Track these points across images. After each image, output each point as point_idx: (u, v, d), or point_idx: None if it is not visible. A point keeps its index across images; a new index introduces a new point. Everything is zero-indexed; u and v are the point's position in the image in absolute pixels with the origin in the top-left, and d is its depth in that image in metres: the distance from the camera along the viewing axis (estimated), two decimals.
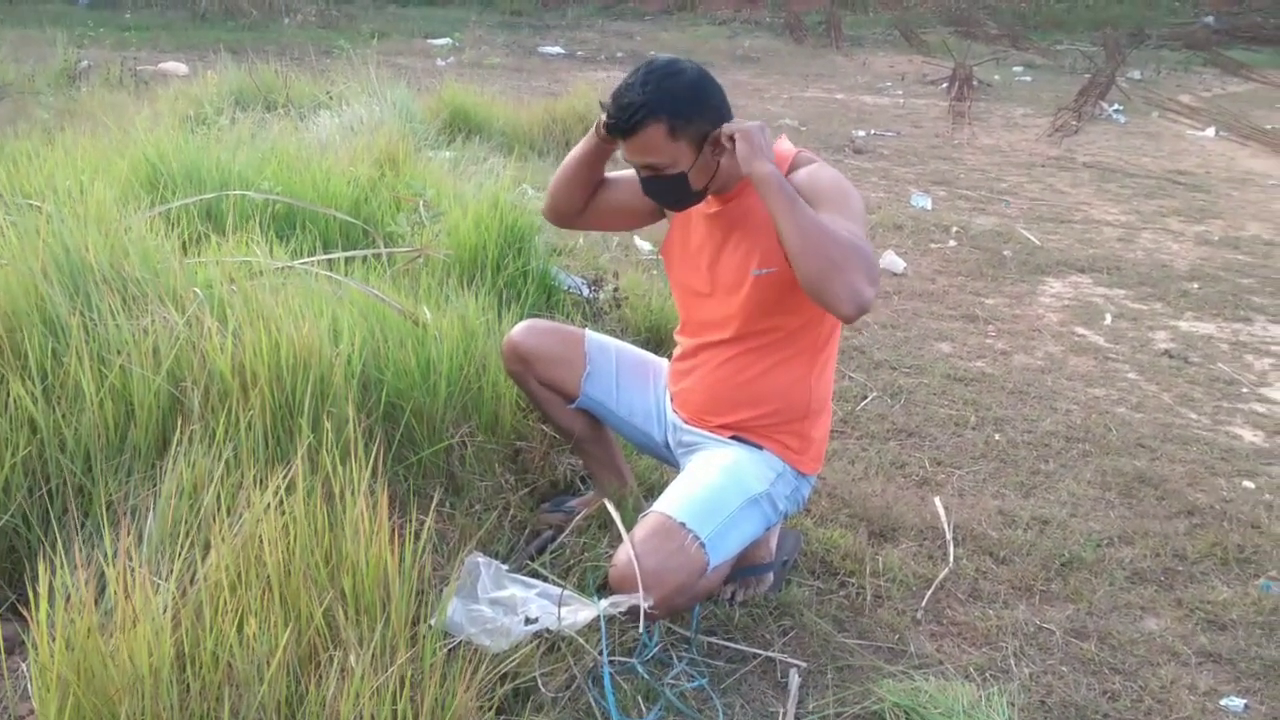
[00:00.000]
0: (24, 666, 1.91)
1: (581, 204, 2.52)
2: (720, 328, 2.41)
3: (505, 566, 2.33)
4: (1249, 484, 3.37)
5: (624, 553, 2.16)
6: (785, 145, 2.37)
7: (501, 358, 2.71)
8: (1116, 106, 12.60)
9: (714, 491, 2.31)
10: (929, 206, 7.23)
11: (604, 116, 2.26)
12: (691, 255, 2.45)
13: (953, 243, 6.30)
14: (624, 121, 2.19)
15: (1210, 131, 11.40)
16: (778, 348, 2.36)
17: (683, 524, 2.20)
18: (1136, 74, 15.47)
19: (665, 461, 2.72)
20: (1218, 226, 7.16)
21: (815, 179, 2.25)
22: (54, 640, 1.59)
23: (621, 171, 2.50)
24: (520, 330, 2.67)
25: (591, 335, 2.70)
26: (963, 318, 4.95)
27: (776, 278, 2.27)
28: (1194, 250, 6.50)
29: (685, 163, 2.23)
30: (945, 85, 13.76)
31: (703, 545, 2.19)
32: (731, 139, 2.17)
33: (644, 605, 2.09)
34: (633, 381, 2.66)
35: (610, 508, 2.34)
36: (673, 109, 2.18)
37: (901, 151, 9.44)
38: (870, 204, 7.22)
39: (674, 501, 2.27)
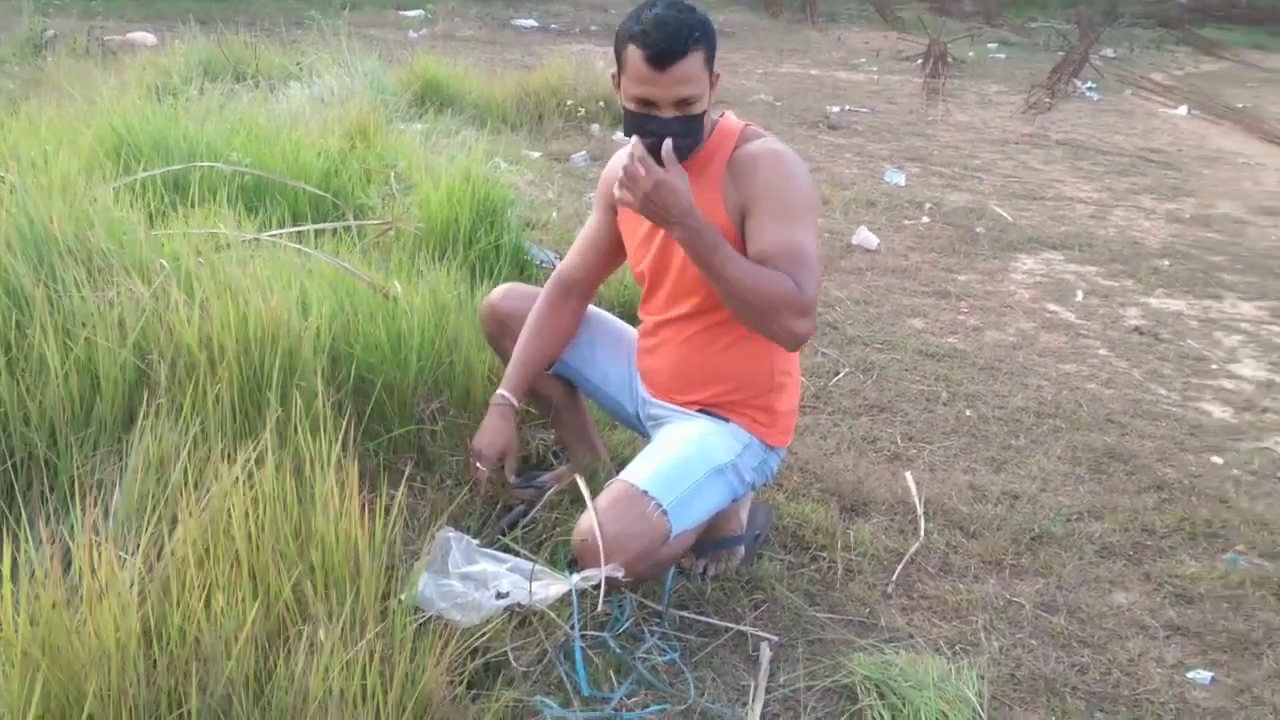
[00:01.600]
0: None
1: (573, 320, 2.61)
2: (679, 303, 2.40)
3: (476, 541, 2.32)
4: (1217, 459, 3.40)
5: (586, 520, 2.17)
6: (731, 121, 2.34)
7: (480, 320, 2.71)
8: (1090, 84, 12.63)
9: (678, 461, 2.31)
10: (903, 183, 7.23)
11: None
12: (645, 236, 2.43)
13: (926, 219, 6.30)
14: (678, 44, 2.08)
15: (1183, 110, 11.46)
16: (737, 324, 2.32)
17: (645, 491, 2.20)
18: (1110, 52, 15.53)
19: (637, 431, 2.71)
20: (1189, 204, 7.20)
21: (757, 169, 2.23)
22: (18, 615, 1.57)
23: (582, 236, 2.60)
24: (499, 293, 2.67)
25: None
26: (935, 294, 4.96)
27: None
28: (1165, 228, 6.53)
29: (704, 102, 2.19)
30: (920, 62, 13.76)
31: (665, 512, 2.20)
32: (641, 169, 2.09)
33: (606, 572, 2.09)
34: (609, 351, 2.65)
35: (580, 481, 2.33)
36: (709, 36, 2.14)
37: (875, 128, 9.43)
38: (844, 180, 7.22)
39: (637, 470, 2.28)
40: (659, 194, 2.08)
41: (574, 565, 2.25)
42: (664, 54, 2.09)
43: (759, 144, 2.27)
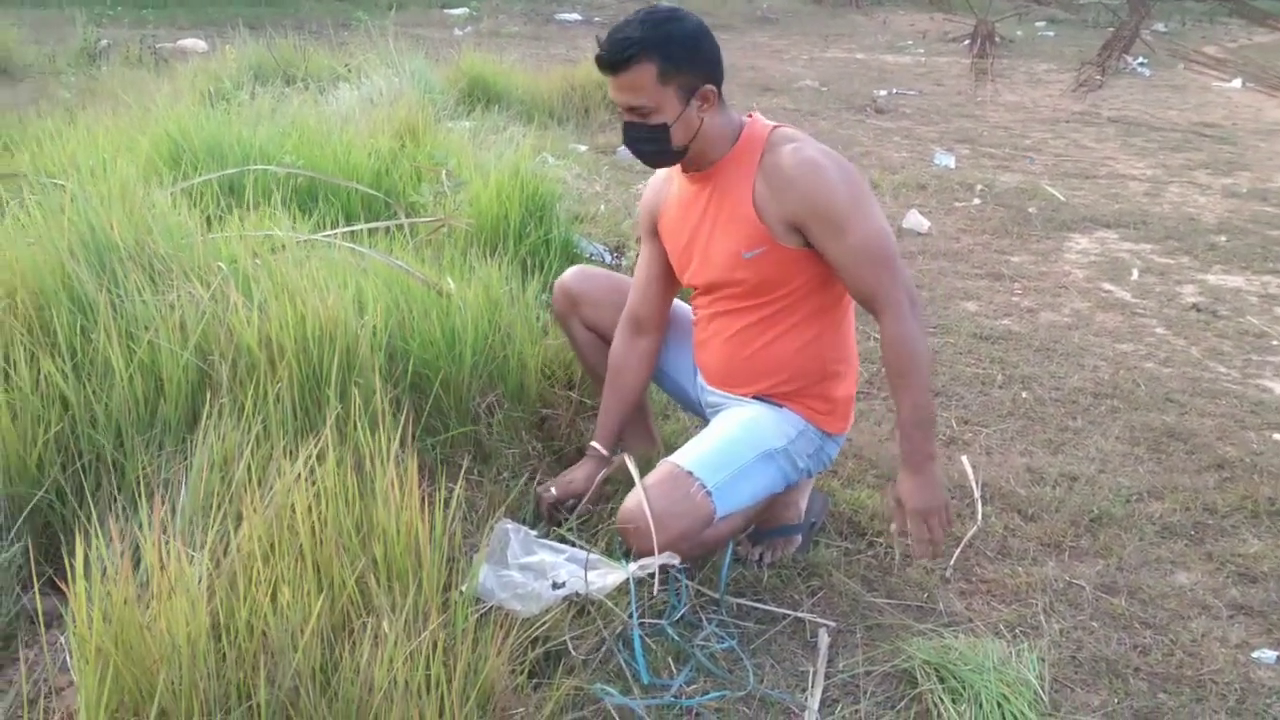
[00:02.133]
0: (62, 639, 1.94)
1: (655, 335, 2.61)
2: (724, 301, 2.42)
3: (534, 532, 2.35)
4: (1279, 437, 3.35)
5: (632, 499, 2.21)
6: (760, 124, 2.33)
7: (552, 300, 2.77)
8: (1141, 60, 12.44)
9: (726, 444, 2.33)
10: (952, 165, 7.18)
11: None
12: (684, 239, 2.44)
13: (977, 201, 6.25)
14: (616, 55, 2.16)
15: (1236, 83, 11.26)
16: (786, 315, 2.35)
17: (690, 473, 2.24)
18: (1161, 26, 15.29)
19: (699, 416, 2.72)
20: (1245, 178, 7.08)
21: (795, 185, 2.21)
22: (91, 613, 1.61)
23: (638, 270, 2.60)
24: (571, 272, 2.74)
25: None
26: (988, 276, 4.92)
27: (768, 255, 2.28)
28: (1221, 203, 6.43)
29: (670, 113, 2.20)
30: (967, 42, 13.64)
31: (709, 494, 2.23)
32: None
33: (661, 560, 2.13)
34: (675, 334, 2.66)
35: (630, 461, 2.34)
36: (666, 51, 2.16)
37: (924, 110, 9.36)
38: (893, 164, 7.18)
39: (685, 453, 2.31)
40: (940, 521, 2.24)
41: (630, 554, 2.27)
42: (605, 62, 2.19)
43: (789, 151, 2.24)
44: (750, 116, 2.36)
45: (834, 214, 2.19)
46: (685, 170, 2.38)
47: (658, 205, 2.51)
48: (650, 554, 2.15)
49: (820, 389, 2.42)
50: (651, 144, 2.27)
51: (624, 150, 7.08)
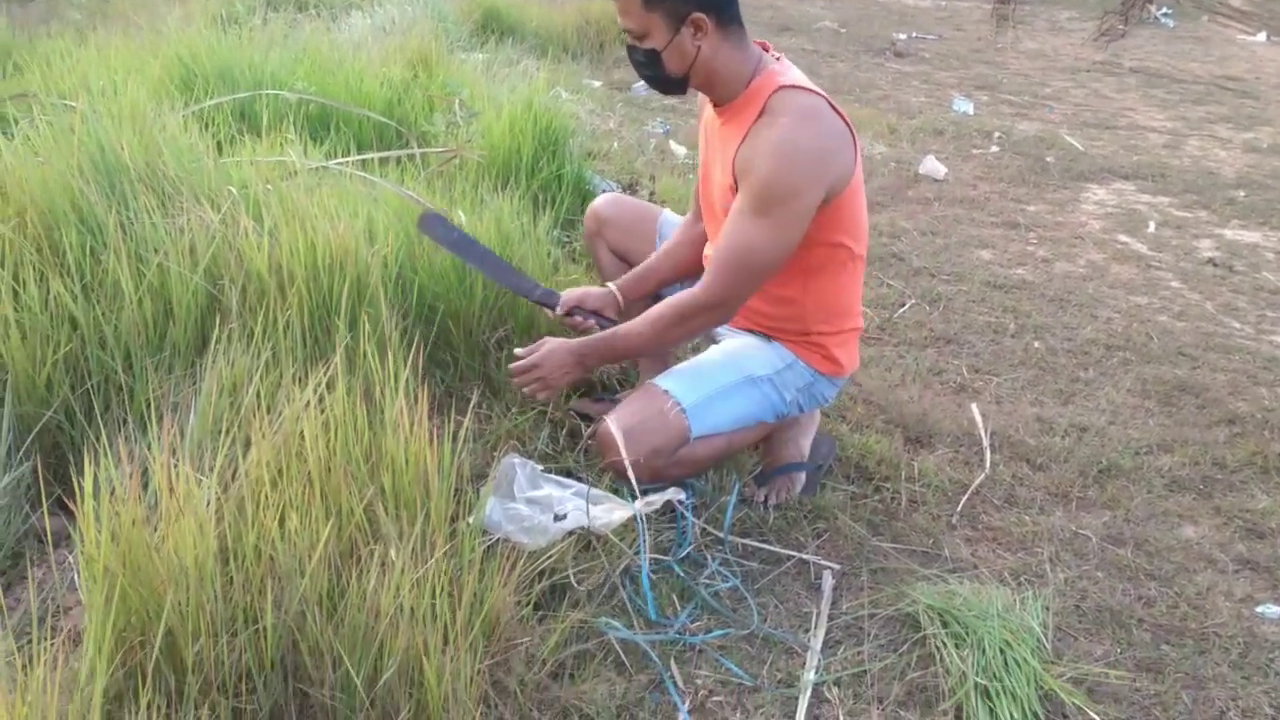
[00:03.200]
0: (70, 558, 1.95)
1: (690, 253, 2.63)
2: (715, 233, 2.44)
3: (540, 467, 2.34)
4: None
5: (609, 413, 2.28)
6: (775, 73, 2.26)
7: (584, 220, 2.86)
8: (1165, 10, 12.26)
9: (707, 366, 2.39)
10: (971, 111, 7.10)
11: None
12: (701, 167, 2.49)
13: (995, 148, 6.19)
14: None
15: (1261, 36, 11.10)
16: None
17: (666, 390, 2.30)
18: None
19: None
20: (1267, 134, 7.00)
21: (760, 145, 2.17)
22: (100, 533, 1.61)
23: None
24: (603, 198, 2.84)
25: (668, 213, 2.80)
26: (1004, 225, 4.88)
27: None
28: (1241, 158, 6.36)
29: (659, 39, 2.21)
30: None
31: (684, 411, 2.27)
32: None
33: (629, 465, 2.16)
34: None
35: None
36: None
37: (943, 55, 9.24)
38: (910, 108, 7.10)
39: (666, 374, 2.38)
40: (550, 373, 2.31)
41: (644, 489, 2.29)
42: None
43: (781, 125, 2.17)
44: (776, 59, 2.31)
45: (760, 193, 2.16)
46: (714, 107, 2.36)
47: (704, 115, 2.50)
48: (621, 468, 2.18)
49: (807, 339, 2.43)
50: (647, 69, 2.29)
51: (639, 87, 7.02)
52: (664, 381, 2.33)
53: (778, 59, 2.32)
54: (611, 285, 2.61)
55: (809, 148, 2.16)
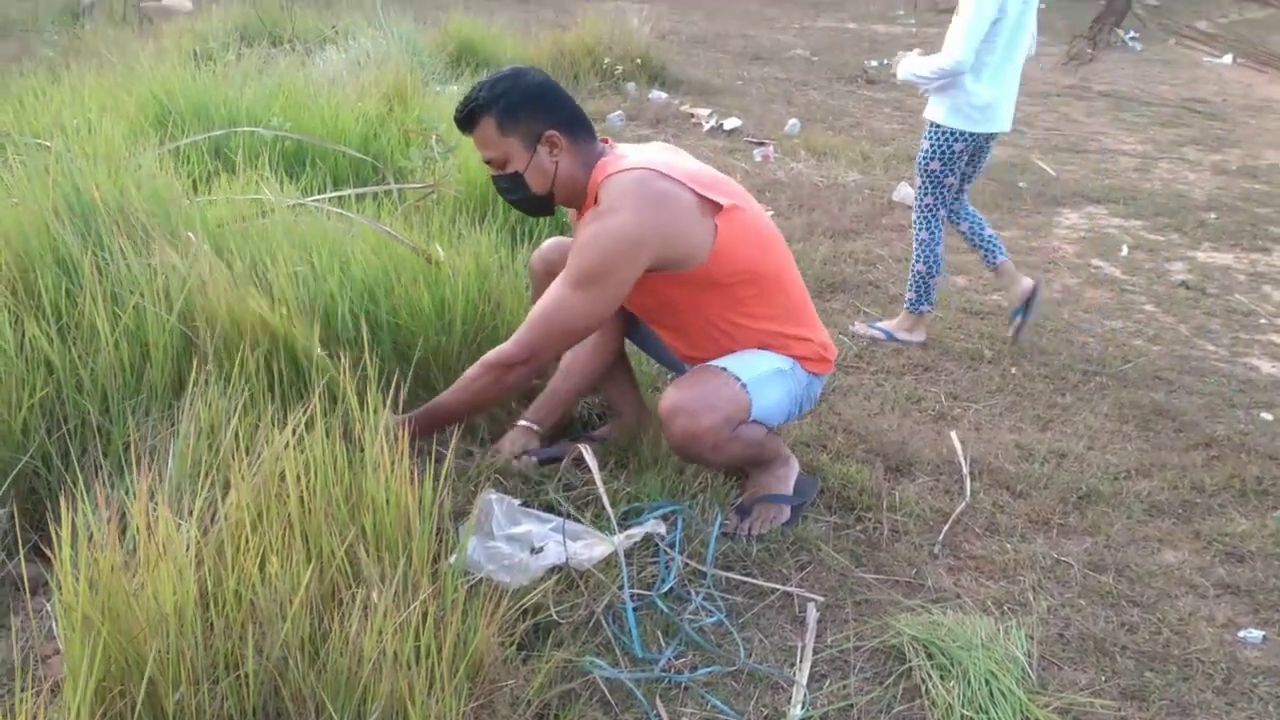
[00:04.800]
0: (48, 606, 1.92)
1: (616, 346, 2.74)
2: (661, 331, 2.61)
3: (518, 501, 2.34)
4: (1267, 415, 3.36)
5: (670, 390, 2.36)
6: (602, 168, 2.36)
7: (529, 269, 2.83)
8: (1132, 34, 12.41)
9: (745, 355, 2.46)
10: None
11: None
12: None
13: None
14: (460, 116, 2.36)
15: (1228, 59, 11.25)
16: (685, 320, 2.49)
17: (724, 368, 2.40)
18: (1153, 0, 15.23)
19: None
20: (1235, 155, 7.08)
21: (579, 236, 2.32)
22: (78, 580, 1.59)
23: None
24: (549, 243, 2.79)
25: None
26: None
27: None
28: (1211, 180, 6.43)
29: (519, 161, 2.36)
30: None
31: (744, 386, 2.37)
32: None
33: (648, 529, 2.18)
34: None
35: (586, 452, 2.37)
36: (501, 105, 2.32)
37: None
38: (883, 135, 7.15)
39: (714, 360, 2.44)
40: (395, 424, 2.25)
41: (625, 518, 2.28)
42: (457, 123, 2.40)
43: (604, 203, 2.30)
44: (605, 148, 2.43)
45: (572, 265, 2.31)
46: (573, 210, 2.51)
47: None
48: (697, 440, 2.31)
49: (774, 348, 2.49)
50: (514, 193, 2.43)
51: (614, 117, 7.06)
52: (715, 363, 2.42)
53: (609, 147, 2.44)
54: (531, 423, 2.65)
55: (620, 229, 2.26)
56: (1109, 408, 3.34)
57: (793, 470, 2.60)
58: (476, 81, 2.41)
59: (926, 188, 3.73)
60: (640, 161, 2.34)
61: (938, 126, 3.65)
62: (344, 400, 2.12)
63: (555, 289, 2.33)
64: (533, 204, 2.44)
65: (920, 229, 3.76)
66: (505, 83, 2.33)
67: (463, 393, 2.38)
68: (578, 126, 2.37)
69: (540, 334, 2.32)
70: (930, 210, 3.74)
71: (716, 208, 2.33)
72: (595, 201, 2.32)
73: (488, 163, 2.42)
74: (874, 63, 10.11)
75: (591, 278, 2.28)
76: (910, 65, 3.67)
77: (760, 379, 2.40)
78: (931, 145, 3.67)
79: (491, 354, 2.35)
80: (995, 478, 2.88)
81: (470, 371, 2.38)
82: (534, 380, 2.44)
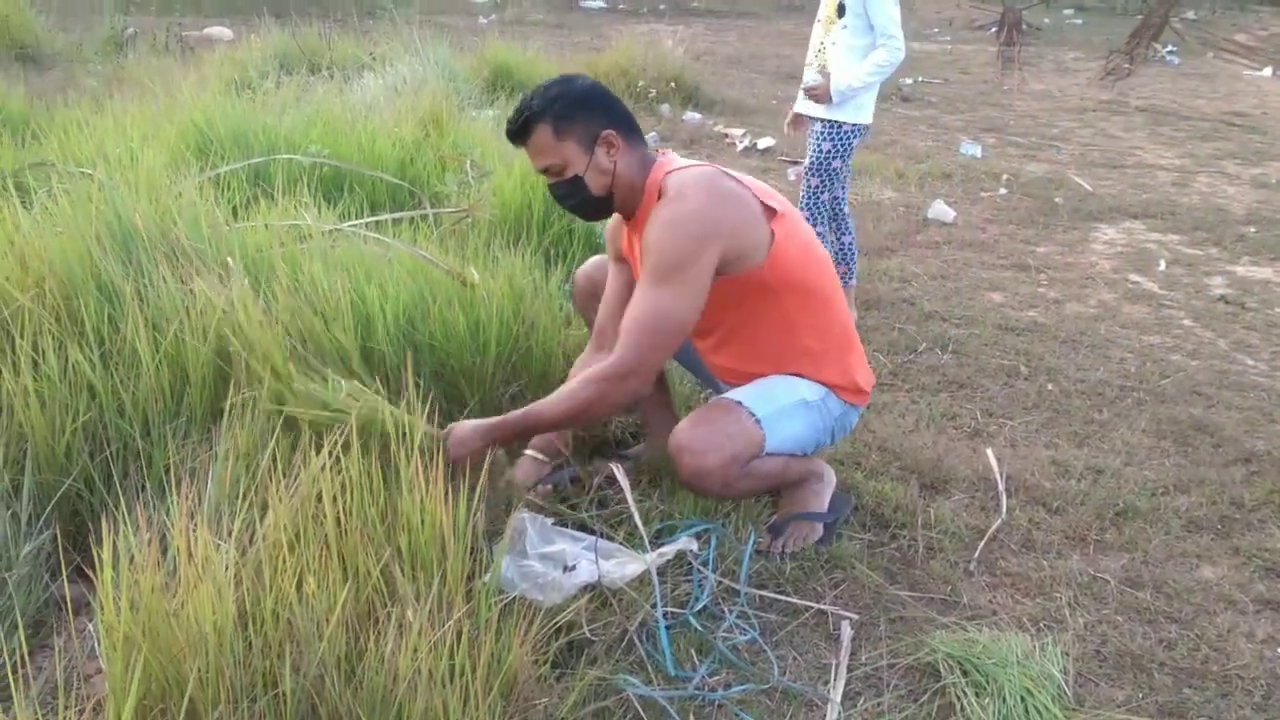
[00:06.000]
0: (91, 627, 1.96)
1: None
2: (698, 338, 2.59)
3: (551, 520, 2.35)
4: None
5: (682, 424, 2.35)
6: (662, 165, 2.39)
7: (573, 289, 2.85)
8: (1170, 48, 12.32)
9: (767, 386, 2.47)
10: (979, 154, 7.13)
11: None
12: (613, 292, 2.60)
13: (1003, 191, 6.22)
14: (513, 127, 2.35)
15: (1267, 71, 11.14)
16: (732, 333, 2.50)
17: (739, 402, 2.39)
18: (1190, 14, 15.13)
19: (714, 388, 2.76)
20: (1275, 169, 7.01)
21: (649, 226, 2.29)
22: (119, 600, 1.62)
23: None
24: (591, 261, 2.83)
25: None
26: (1014, 267, 4.90)
27: None
28: (1250, 194, 6.37)
29: (578, 164, 2.35)
30: (994, 30, 13.53)
31: (759, 422, 2.36)
32: None
33: (680, 545, 2.17)
34: None
35: (618, 470, 2.39)
36: (555, 111, 2.32)
37: (950, 99, 9.30)
38: (919, 153, 7.14)
39: (732, 391, 2.46)
40: (452, 447, 2.27)
41: (658, 537, 2.28)
42: (510, 135, 2.38)
43: (671, 193, 2.31)
44: (660, 156, 2.44)
45: (653, 265, 2.27)
46: (625, 222, 2.49)
47: (619, 232, 2.58)
48: (704, 478, 2.28)
49: (818, 375, 2.49)
50: (574, 197, 2.41)
51: (649, 138, 7.07)
52: (733, 395, 2.42)
53: (662, 153, 2.46)
54: (537, 455, 2.63)
55: (694, 214, 2.27)
56: (1146, 423, 3.32)
57: (828, 485, 2.60)
58: (522, 95, 2.41)
59: (825, 184, 4.12)
60: (701, 162, 2.39)
61: (839, 125, 4.03)
62: (381, 425, 2.16)
63: (640, 294, 2.27)
64: (592, 207, 2.43)
65: (835, 218, 4.19)
66: (556, 88, 2.34)
67: (566, 403, 2.28)
68: (631, 128, 2.39)
69: (643, 339, 2.25)
70: (837, 201, 4.16)
71: (772, 213, 2.36)
72: (658, 197, 2.33)
73: (544, 171, 2.39)
74: (909, 80, 10.10)
75: (673, 267, 2.24)
76: (845, 78, 3.93)
77: (779, 413, 2.40)
78: (833, 145, 4.05)
79: (596, 369, 2.27)
80: (1031, 494, 2.87)
81: (572, 384, 2.30)
82: (644, 392, 2.34)
